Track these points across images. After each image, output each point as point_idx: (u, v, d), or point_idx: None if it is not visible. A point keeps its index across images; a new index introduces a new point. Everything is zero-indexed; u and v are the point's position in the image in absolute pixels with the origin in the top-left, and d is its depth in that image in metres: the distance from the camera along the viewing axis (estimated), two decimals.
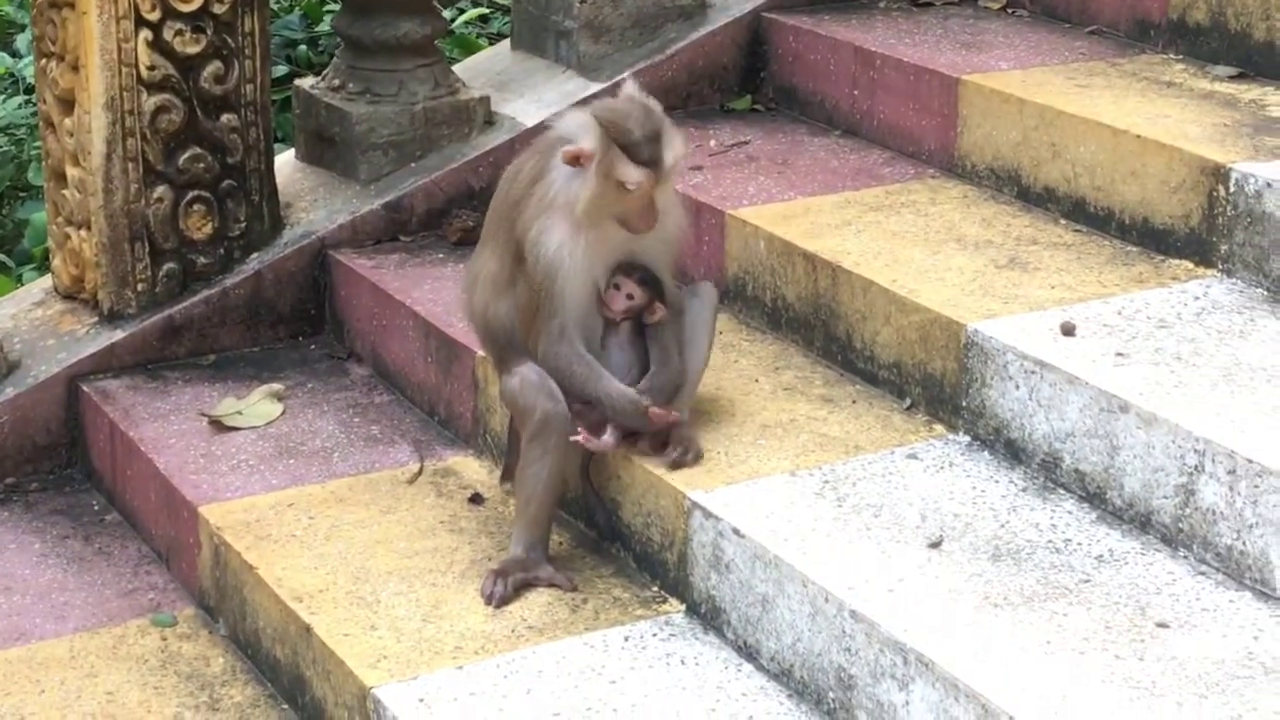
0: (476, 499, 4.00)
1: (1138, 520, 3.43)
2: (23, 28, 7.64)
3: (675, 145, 3.54)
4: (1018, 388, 3.64)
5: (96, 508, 4.44)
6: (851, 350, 4.04)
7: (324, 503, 4.00)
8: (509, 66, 5.33)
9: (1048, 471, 3.60)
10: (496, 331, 3.71)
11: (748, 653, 3.44)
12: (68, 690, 3.74)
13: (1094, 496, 3.51)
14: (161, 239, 4.61)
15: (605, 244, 3.62)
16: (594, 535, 3.84)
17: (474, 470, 4.14)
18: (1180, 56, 4.77)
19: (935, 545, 3.36)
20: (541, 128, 3.93)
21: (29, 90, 7.08)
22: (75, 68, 4.49)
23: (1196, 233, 4.02)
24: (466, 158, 4.93)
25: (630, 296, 3.65)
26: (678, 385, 3.71)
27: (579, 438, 3.58)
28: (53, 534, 4.31)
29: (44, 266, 5.95)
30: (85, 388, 4.52)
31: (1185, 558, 3.33)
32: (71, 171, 4.59)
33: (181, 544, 4.09)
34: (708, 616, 3.53)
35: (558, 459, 3.64)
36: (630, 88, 3.60)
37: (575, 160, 3.50)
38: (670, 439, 3.65)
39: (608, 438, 3.62)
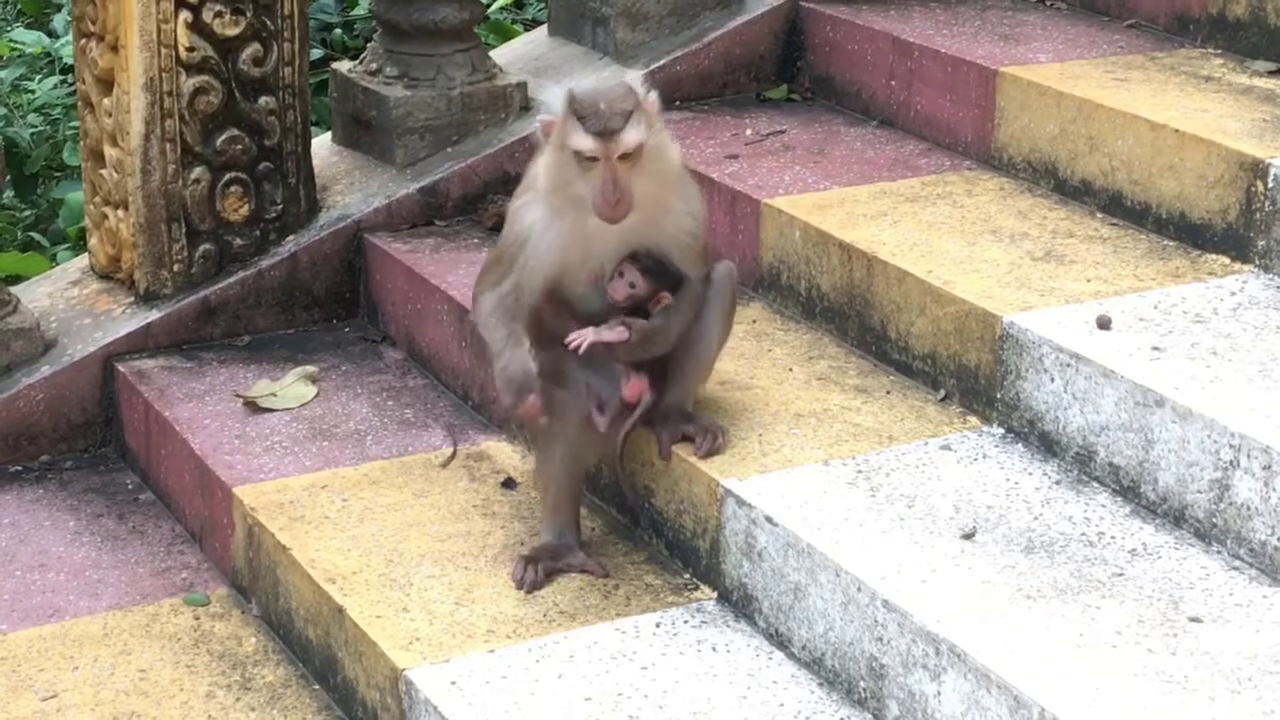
0: (509, 483, 4.01)
1: (1171, 514, 3.42)
2: (59, 7, 7.66)
3: (643, 126, 3.38)
4: (1053, 380, 3.63)
5: (130, 486, 4.46)
6: (886, 341, 4.04)
7: (357, 485, 4.02)
8: (546, 53, 5.34)
9: (1082, 464, 3.60)
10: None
11: (779, 641, 3.45)
12: (101, 667, 3.76)
13: (1128, 490, 3.51)
14: (198, 220, 4.62)
15: (596, 231, 3.49)
16: (626, 521, 3.85)
17: (507, 455, 4.15)
18: (1219, 51, 4.76)
19: (968, 536, 3.36)
20: None
21: (65, 70, 7.11)
22: (115, 48, 4.50)
23: (1234, 228, 4.01)
24: (503, 143, 4.94)
25: (632, 285, 3.56)
26: (657, 342, 3.59)
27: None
28: (87, 512, 4.33)
29: (78, 246, 5.98)
30: (121, 367, 4.54)
31: (1219, 553, 3.33)
32: (110, 152, 4.61)
33: (215, 524, 4.11)
34: (739, 604, 3.54)
35: (570, 444, 3.65)
36: (633, 76, 3.49)
37: (548, 133, 3.44)
38: (694, 431, 3.65)
39: (600, 417, 3.64)
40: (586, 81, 3.50)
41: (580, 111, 3.37)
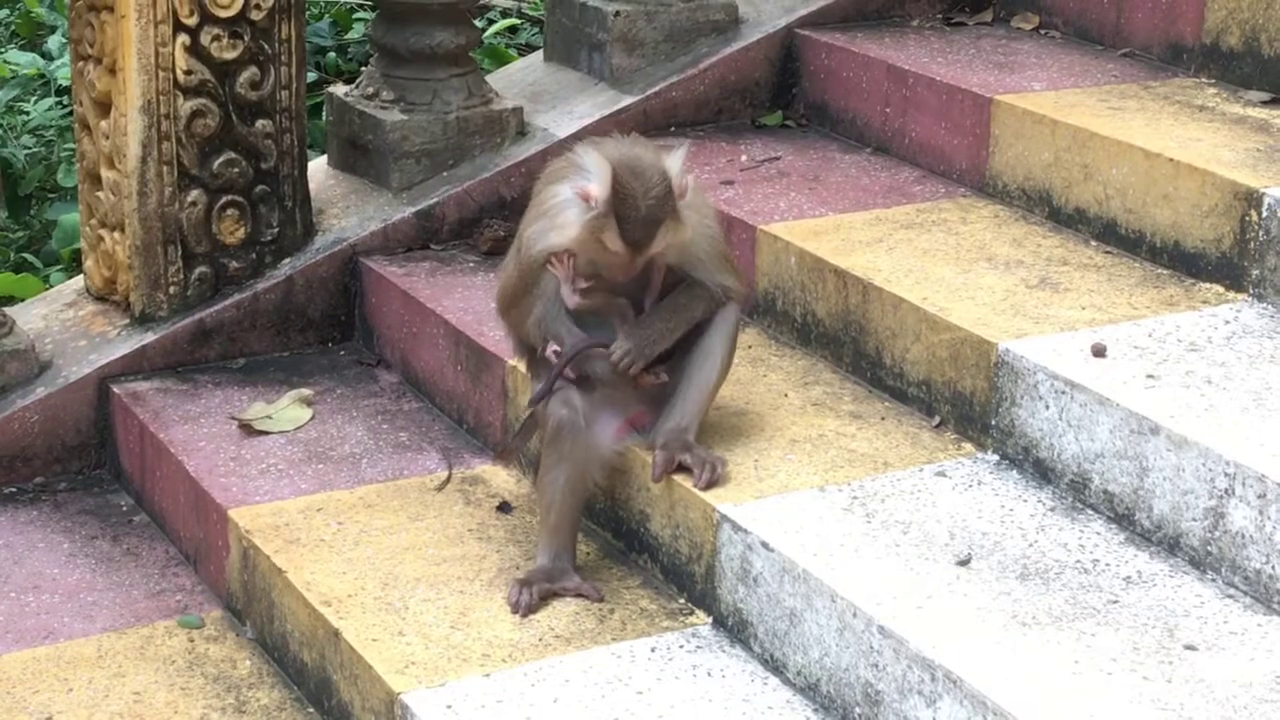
0: (504, 508, 4.02)
1: (1166, 542, 3.43)
2: (53, 29, 7.67)
3: (672, 233, 3.53)
4: (1048, 407, 3.65)
5: (125, 508, 4.46)
6: (881, 367, 4.05)
7: (353, 508, 4.02)
8: (541, 78, 5.35)
9: (1076, 492, 3.61)
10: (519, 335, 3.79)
11: (774, 666, 3.45)
12: (95, 689, 3.75)
13: (1123, 517, 3.52)
14: (194, 242, 4.63)
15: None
16: (620, 546, 3.85)
17: (502, 479, 4.16)
18: (1213, 81, 4.78)
19: (964, 563, 3.37)
20: (574, 140, 3.93)
21: (60, 92, 7.11)
22: (113, 71, 4.51)
23: (1228, 257, 4.03)
24: (499, 167, 4.95)
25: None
26: (656, 341, 3.65)
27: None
28: (81, 534, 4.33)
29: (71, 268, 5.98)
30: (115, 389, 4.54)
31: (1214, 580, 3.34)
32: (106, 174, 4.62)
33: (210, 546, 4.11)
34: (735, 629, 3.55)
35: (574, 466, 3.66)
36: (676, 156, 3.57)
37: (585, 198, 3.53)
38: (691, 462, 3.65)
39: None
40: (626, 151, 3.56)
41: (620, 210, 3.48)
